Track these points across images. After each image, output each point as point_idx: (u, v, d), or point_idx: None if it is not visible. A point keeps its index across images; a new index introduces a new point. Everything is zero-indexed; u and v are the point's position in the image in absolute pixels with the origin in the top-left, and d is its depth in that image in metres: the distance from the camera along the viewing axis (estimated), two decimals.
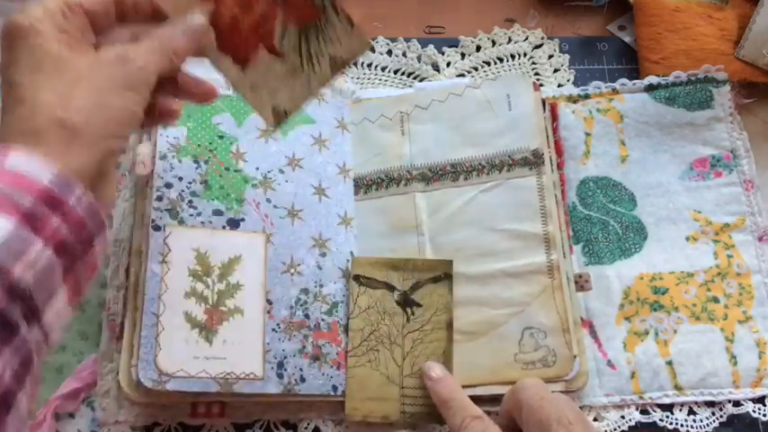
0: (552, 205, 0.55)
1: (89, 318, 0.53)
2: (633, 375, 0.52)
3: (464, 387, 0.49)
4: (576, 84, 0.63)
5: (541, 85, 0.62)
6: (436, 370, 0.50)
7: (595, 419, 0.52)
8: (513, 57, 0.64)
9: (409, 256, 0.55)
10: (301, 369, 0.50)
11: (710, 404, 0.52)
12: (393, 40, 0.65)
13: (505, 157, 0.57)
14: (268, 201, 0.55)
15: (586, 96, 0.60)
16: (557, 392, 0.46)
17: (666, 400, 0.52)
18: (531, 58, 0.64)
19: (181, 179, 0.53)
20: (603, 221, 0.57)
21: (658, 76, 0.60)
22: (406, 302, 0.53)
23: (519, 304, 0.53)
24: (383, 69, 0.64)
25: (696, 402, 0.52)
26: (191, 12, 0.42)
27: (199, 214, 0.52)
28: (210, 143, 0.55)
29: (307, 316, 0.52)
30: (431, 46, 0.64)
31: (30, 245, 0.32)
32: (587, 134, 0.59)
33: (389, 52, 0.64)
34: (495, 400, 0.50)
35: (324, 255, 0.54)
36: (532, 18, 0.66)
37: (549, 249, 0.54)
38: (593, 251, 0.56)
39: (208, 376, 0.48)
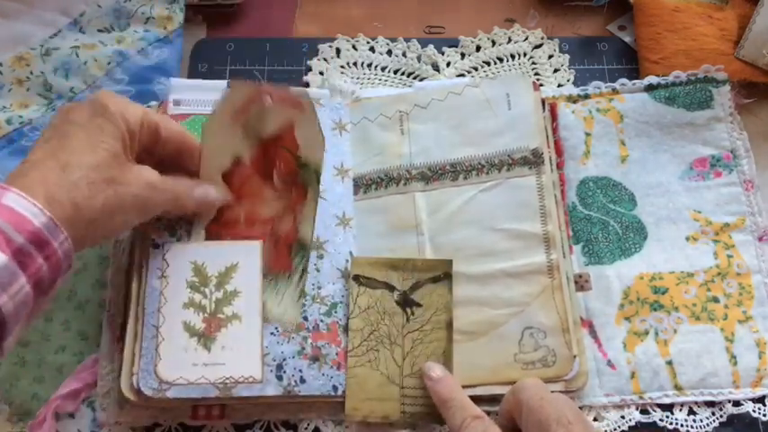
0: (552, 205, 0.55)
1: (89, 318, 0.53)
2: (633, 375, 0.52)
3: (464, 387, 0.49)
4: (575, 84, 0.63)
5: (541, 84, 0.62)
6: (436, 370, 0.50)
7: (595, 419, 0.52)
8: (512, 57, 0.64)
9: (409, 256, 0.55)
10: (301, 370, 0.50)
11: (710, 404, 0.52)
12: (393, 40, 0.65)
13: (505, 156, 0.56)
14: None
15: (586, 96, 0.60)
16: (556, 392, 0.47)
17: (666, 400, 0.52)
18: (530, 58, 0.64)
19: None
20: (603, 221, 0.57)
21: (658, 76, 0.60)
22: (406, 302, 0.53)
23: (519, 304, 0.53)
24: (383, 69, 0.64)
25: (696, 402, 0.52)
26: (215, 181, 0.50)
27: None
28: None
29: (305, 318, 0.52)
30: (431, 46, 0.64)
31: (16, 279, 0.36)
32: (587, 134, 0.59)
33: (389, 52, 0.64)
34: (495, 400, 0.50)
35: (321, 257, 0.54)
36: (532, 18, 0.66)
37: (548, 249, 0.54)
38: (592, 251, 0.56)
39: (207, 382, 0.48)
